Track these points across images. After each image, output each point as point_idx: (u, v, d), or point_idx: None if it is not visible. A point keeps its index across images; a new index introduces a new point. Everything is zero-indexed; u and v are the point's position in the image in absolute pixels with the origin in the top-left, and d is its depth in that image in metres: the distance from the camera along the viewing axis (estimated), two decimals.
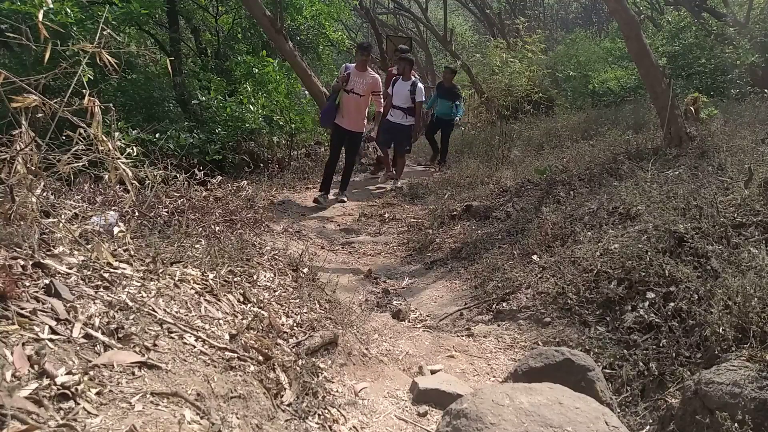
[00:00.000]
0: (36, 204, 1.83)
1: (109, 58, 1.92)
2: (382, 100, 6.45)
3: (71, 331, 1.42)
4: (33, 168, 1.80)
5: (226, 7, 9.28)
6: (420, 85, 7.33)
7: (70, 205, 2.42)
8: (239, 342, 1.87)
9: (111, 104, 2.01)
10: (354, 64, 6.26)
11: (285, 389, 1.86)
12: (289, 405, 1.83)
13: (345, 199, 6.39)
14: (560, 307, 3.04)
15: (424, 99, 7.53)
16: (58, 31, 4.14)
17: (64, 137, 1.92)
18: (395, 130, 7.13)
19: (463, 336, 3.10)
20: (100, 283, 1.71)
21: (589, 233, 3.58)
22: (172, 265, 2.10)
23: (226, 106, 6.96)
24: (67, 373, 1.26)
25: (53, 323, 1.41)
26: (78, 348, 1.38)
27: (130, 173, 1.94)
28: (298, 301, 2.56)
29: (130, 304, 1.65)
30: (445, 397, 2.25)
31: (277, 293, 2.54)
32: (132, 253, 2.02)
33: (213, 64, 8.63)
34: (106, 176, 1.97)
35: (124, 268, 1.86)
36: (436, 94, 8.72)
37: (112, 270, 1.81)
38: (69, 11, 5.51)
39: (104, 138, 1.88)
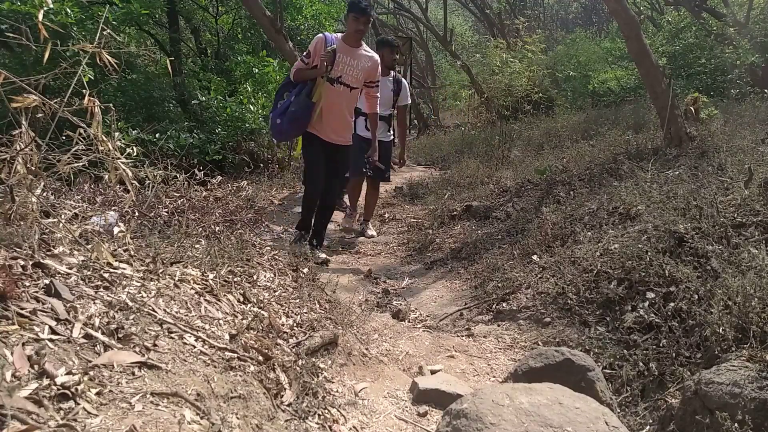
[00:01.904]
0: (36, 204, 1.83)
1: (109, 58, 1.92)
2: (378, 95, 4.18)
3: (71, 331, 1.42)
4: (33, 168, 1.79)
5: (226, 7, 9.29)
6: (405, 81, 5.18)
7: (70, 205, 2.42)
8: (239, 342, 1.87)
9: (111, 104, 2.01)
10: (339, 35, 3.90)
11: (285, 389, 1.86)
12: (289, 405, 1.83)
13: (324, 256, 4.19)
14: (560, 307, 3.03)
15: (410, 102, 5.46)
16: (58, 31, 4.14)
17: (64, 137, 1.92)
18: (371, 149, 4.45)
19: (463, 336, 3.10)
20: (100, 283, 1.71)
21: (589, 233, 3.58)
22: (172, 265, 2.10)
23: (226, 106, 6.97)
24: (67, 373, 1.26)
25: (53, 323, 1.41)
26: (78, 348, 1.38)
27: (130, 173, 1.94)
28: (298, 301, 2.56)
29: (130, 304, 1.65)
30: (445, 397, 2.25)
31: (277, 293, 2.54)
32: (132, 253, 2.01)
33: (213, 64, 8.64)
34: (106, 176, 1.97)
35: (124, 268, 1.86)
36: None
37: (112, 270, 1.81)
38: (69, 11, 5.52)
39: (104, 138, 1.88)
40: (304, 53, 3.92)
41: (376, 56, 4.05)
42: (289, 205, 6.12)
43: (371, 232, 5.29)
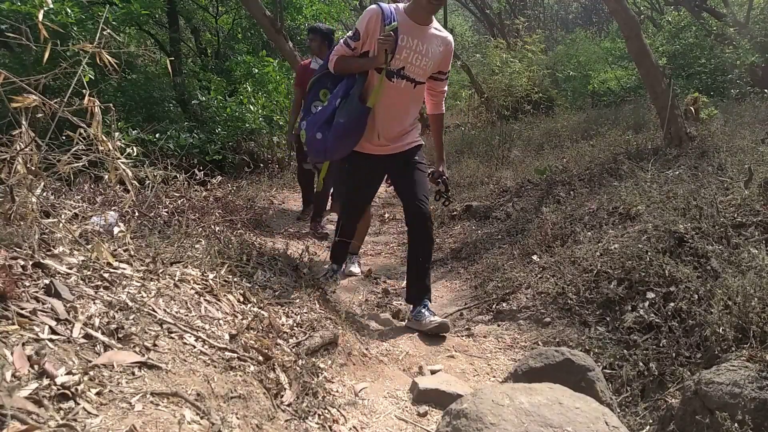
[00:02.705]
0: (36, 204, 1.83)
1: (109, 58, 1.92)
2: (446, 91, 3.05)
3: (71, 331, 1.42)
4: (33, 168, 1.80)
5: (226, 7, 9.30)
6: None
7: (70, 205, 2.42)
8: (239, 342, 1.87)
9: (111, 104, 2.01)
10: (400, 5, 2.74)
11: (285, 389, 1.86)
12: (289, 405, 1.83)
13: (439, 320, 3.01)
14: (560, 307, 3.04)
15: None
16: (58, 31, 4.15)
17: (64, 137, 1.93)
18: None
19: (463, 336, 3.10)
20: (100, 283, 1.71)
21: (589, 233, 3.58)
22: (172, 265, 2.10)
23: (226, 106, 6.98)
24: (67, 373, 1.26)
25: (53, 323, 1.41)
26: (78, 348, 1.38)
27: (130, 173, 1.94)
28: (298, 301, 2.56)
29: (130, 304, 1.65)
30: (445, 397, 2.25)
31: (277, 293, 2.54)
32: (132, 253, 2.01)
33: (213, 64, 8.66)
34: (106, 176, 1.97)
35: (124, 268, 1.86)
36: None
37: (112, 270, 1.81)
38: (69, 11, 5.52)
39: (104, 138, 1.88)
40: (350, 33, 2.80)
41: (450, 37, 2.85)
42: (289, 205, 6.13)
43: (355, 268, 4.12)
